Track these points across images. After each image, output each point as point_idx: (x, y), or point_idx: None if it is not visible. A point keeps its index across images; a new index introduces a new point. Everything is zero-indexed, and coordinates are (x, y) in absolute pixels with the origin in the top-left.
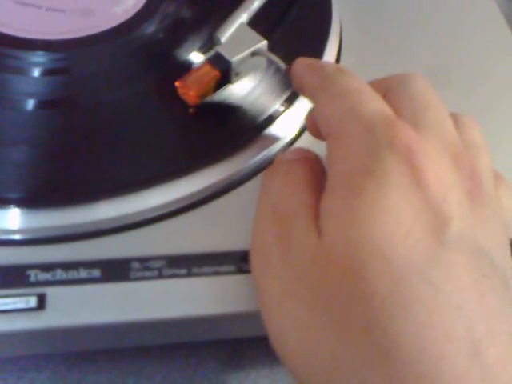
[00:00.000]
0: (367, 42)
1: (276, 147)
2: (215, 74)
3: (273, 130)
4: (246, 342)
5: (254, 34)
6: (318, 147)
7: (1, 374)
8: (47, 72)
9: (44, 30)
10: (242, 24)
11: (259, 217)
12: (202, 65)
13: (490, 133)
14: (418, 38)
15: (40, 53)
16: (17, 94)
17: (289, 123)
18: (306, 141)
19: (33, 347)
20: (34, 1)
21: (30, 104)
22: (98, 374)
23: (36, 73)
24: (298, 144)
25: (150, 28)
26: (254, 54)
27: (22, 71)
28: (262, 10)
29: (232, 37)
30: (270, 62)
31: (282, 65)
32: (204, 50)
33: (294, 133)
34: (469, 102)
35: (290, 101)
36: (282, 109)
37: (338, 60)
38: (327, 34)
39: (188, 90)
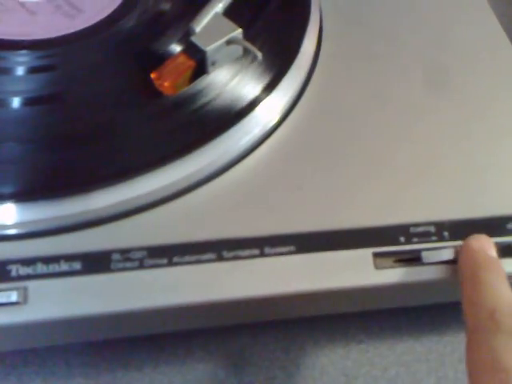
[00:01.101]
0: (350, 29)
1: (257, 135)
2: (190, 63)
3: (253, 117)
4: (233, 332)
5: (228, 23)
6: (307, 137)
7: None
8: (33, 70)
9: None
10: (216, 13)
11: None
12: (177, 55)
13: (488, 131)
14: (406, 25)
15: (25, 52)
16: (4, 92)
17: (270, 110)
18: (288, 129)
19: (18, 342)
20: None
21: (17, 102)
22: (86, 367)
23: (22, 71)
24: (279, 131)
25: (132, 22)
26: (229, 42)
27: (8, 71)
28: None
29: (207, 26)
30: (247, 51)
31: (258, 53)
32: (183, 41)
33: (275, 120)
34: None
35: (269, 88)
36: (262, 96)
37: (318, 48)
38: (306, 21)
39: (163, 81)
